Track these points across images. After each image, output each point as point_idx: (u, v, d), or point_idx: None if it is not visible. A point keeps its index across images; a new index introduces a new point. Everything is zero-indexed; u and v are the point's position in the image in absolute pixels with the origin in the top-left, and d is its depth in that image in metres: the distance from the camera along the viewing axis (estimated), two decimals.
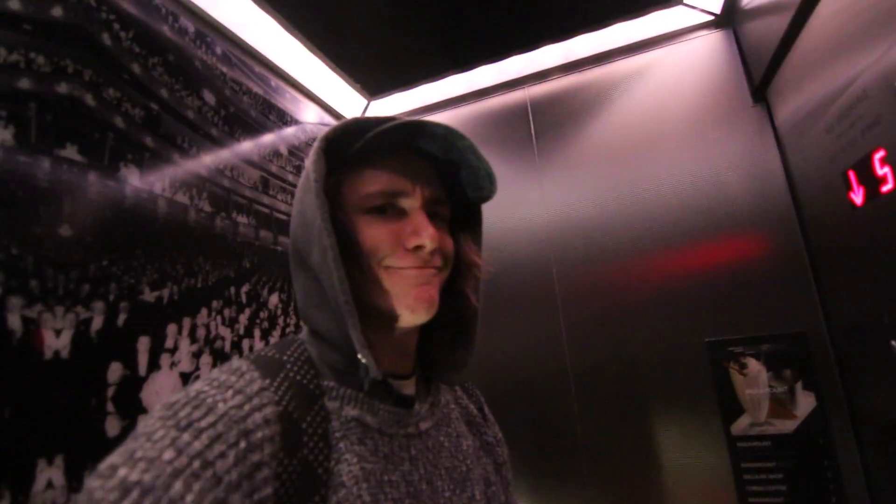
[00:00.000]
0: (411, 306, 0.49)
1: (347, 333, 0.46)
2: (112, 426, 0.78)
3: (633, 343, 1.35)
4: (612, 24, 1.43)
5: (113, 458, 0.34)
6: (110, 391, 0.79)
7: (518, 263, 1.49)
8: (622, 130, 1.48)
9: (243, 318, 1.10)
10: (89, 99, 0.84)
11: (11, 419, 0.65)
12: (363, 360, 0.45)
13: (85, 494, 0.32)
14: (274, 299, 1.22)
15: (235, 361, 0.46)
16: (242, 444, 0.37)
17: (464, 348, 0.58)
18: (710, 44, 1.43)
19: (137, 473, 0.32)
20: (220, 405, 0.39)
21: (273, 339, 1.19)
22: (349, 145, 0.50)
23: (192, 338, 0.96)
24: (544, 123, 1.58)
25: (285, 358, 0.48)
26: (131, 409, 0.82)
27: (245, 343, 1.09)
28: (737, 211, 1.31)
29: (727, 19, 1.40)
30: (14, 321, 0.68)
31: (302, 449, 0.42)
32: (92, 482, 0.33)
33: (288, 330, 1.25)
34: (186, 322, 0.95)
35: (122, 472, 0.33)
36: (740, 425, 1.18)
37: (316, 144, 0.49)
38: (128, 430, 0.80)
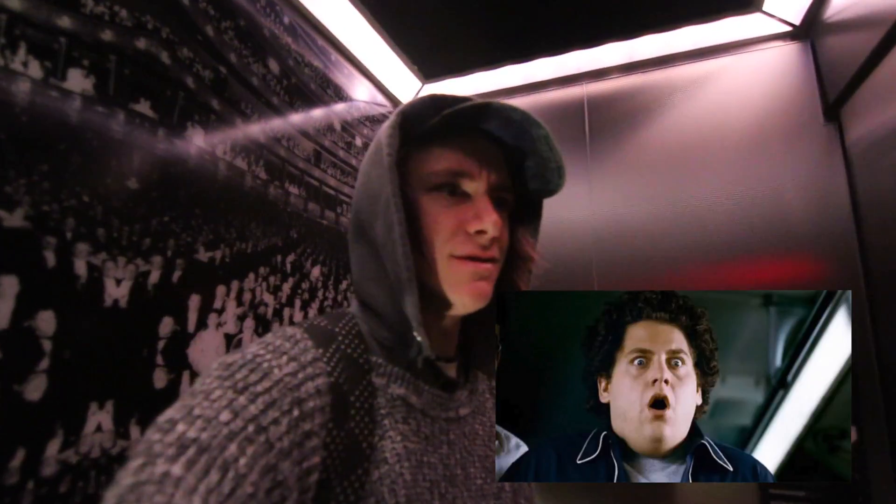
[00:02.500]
0: (465, 299, 0.49)
1: (401, 310, 0.46)
2: (159, 378, 0.80)
3: None
4: (683, 26, 1.39)
5: (172, 412, 0.35)
6: (160, 344, 0.81)
7: (558, 261, 1.47)
8: (681, 137, 1.43)
9: (286, 287, 1.12)
10: (165, 57, 0.85)
11: (70, 360, 0.67)
12: (418, 338, 0.44)
13: (144, 445, 0.33)
14: (316, 272, 1.23)
15: (289, 328, 0.46)
16: (295, 412, 0.38)
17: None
18: (784, 55, 1.37)
19: (195, 431, 0.33)
20: (276, 371, 0.39)
21: (312, 311, 1.21)
22: (422, 122, 0.49)
23: (239, 301, 0.97)
24: (600, 122, 1.54)
25: (337, 330, 0.48)
26: (178, 363, 0.83)
27: (286, 311, 1.11)
28: (794, 231, 1.26)
29: (805, 31, 1.34)
30: (80, 266, 0.69)
31: (349, 422, 0.42)
32: (151, 434, 0.33)
33: (326, 303, 1.26)
34: (234, 285, 0.97)
35: (180, 427, 0.33)
36: None
37: (392, 118, 0.48)
38: (174, 383, 0.82)
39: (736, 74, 1.42)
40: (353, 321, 0.51)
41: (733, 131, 1.38)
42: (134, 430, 0.75)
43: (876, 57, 1.05)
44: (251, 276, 1.01)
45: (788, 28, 1.35)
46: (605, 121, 1.54)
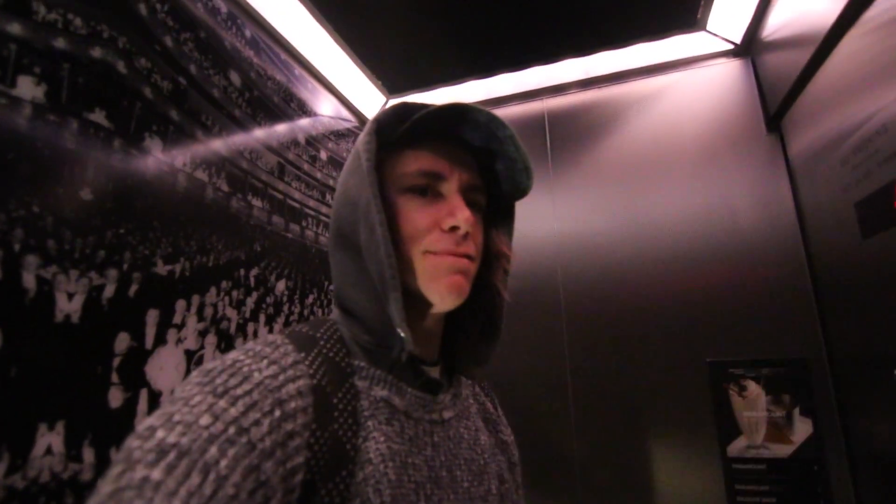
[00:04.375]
0: (442, 293, 0.49)
1: (383, 313, 0.47)
2: (115, 397, 0.77)
3: (634, 360, 1.35)
4: (634, 44, 1.46)
5: (151, 419, 0.35)
6: (116, 361, 0.77)
7: (525, 274, 1.49)
8: (636, 150, 1.50)
9: (250, 302, 1.09)
10: (121, 66, 0.84)
11: (17, 378, 0.63)
12: (402, 335, 0.45)
13: (123, 453, 0.32)
14: (281, 286, 1.21)
15: (270, 335, 0.46)
16: (277, 413, 0.38)
17: (488, 343, 0.59)
18: (728, 71, 1.46)
19: (175, 436, 0.33)
20: (256, 374, 0.39)
21: (278, 326, 1.18)
22: (395, 128, 0.51)
23: (200, 316, 0.95)
24: (560, 137, 1.59)
25: (318, 335, 0.49)
26: (135, 381, 0.80)
27: (250, 327, 1.08)
28: (744, 236, 1.32)
29: (746, 49, 1.44)
30: (29, 280, 0.66)
31: (332, 423, 0.42)
32: (131, 442, 0.33)
33: (292, 318, 1.24)
34: (195, 299, 0.94)
35: (160, 433, 0.33)
36: (737, 447, 1.19)
37: (368, 126, 0.50)
38: (130, 402, 0.79)
39: (684, 90, 1.50)
40: (334, 327, 0.51)
41: (684, 144, 1.45)
42: (87, 453, 0.71)
43: (808, 71, 1.13)
44: (213, 290, 0.99)
45: (731, 46, 1.44)
46: (565, 135, 1.59)
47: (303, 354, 0.44)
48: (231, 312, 1.03)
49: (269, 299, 1.17)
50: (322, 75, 1.49)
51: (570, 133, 1.59)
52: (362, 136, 0.50)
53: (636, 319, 1.38)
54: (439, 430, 0.52)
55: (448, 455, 0.51)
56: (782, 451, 1.15)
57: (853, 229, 1.01)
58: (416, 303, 0.51)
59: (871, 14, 0.92)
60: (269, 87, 1.26)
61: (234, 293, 1.05)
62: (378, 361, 0.50)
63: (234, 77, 1.12)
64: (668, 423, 1.28)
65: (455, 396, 0.57)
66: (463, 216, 0.48)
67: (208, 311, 0.97)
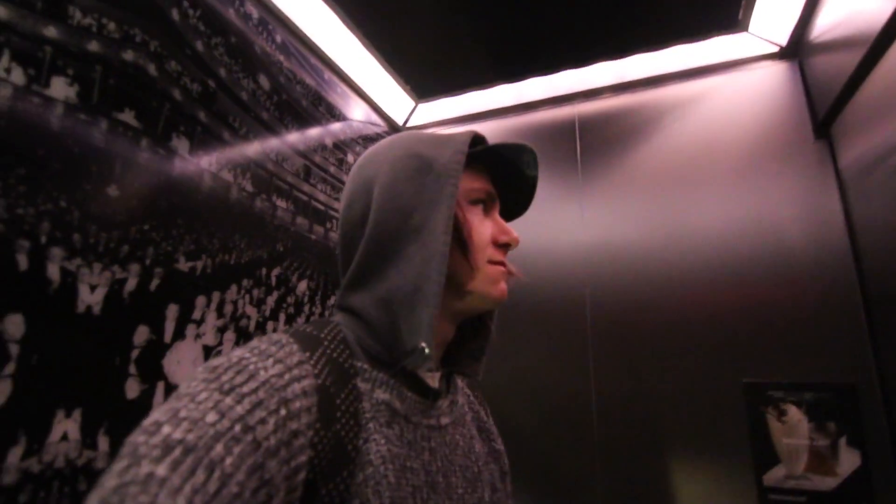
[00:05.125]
0: (497, 297, 0.55)
1: (394, 321, 0.49)
2: (132, 388, 0.79)
3: (664, 376, 1.29)
4: (671, 46, 1.41)
5: (157, 415, 0.35)
6: (134, 353, 0.80)
7: (551, 283, 1.45)
8: (672, 157, 1.43)
9: (271, 301, 1.11)
10: (152, 69, 0.87)
11: (38, 365, 0.66)
12: (426, 351, 0.45)
13: (129, 447, 0.33)
14: (302, 286, 1.23)
15: (274, 334, 0.47)
16: (282, 412, 0.38)
17: (483, 339, 0.62)
18: (773, 75, 1.38)
19: (181, 432, 0.33)
20: (262, 372, 0.40)
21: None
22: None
23: (220, 312, 0.96)
24: (591, 143, 1.55)
25: (322, 335, 0.49)
26: (152, 374, 0.82)
27: (269, 325, 1.09)
28: (789, 249, 1.24)
29: (793, 51, 1.35)
30: (53, 271, 0.69)
31: (335, 424, 0.43)
32: (136, 437, 0.33)
33: (312, 318, 1.25)
34: (216, 296, 0.96)
35: (166, 429, 0.33)
36: (774, 476, 1.10)
37: (456, 156, 0.52)
38: (146, 394, 0.81)
39: (725, 94, 1.43)
40: (337, 328, 0.52)
41: (724, 151, 1.37)
42: (102, 441, 0.73)
43: (860, 74, 1.06)
44: (233, 287, 1.01)
45: (775, 48, 1.36)
46: (596, 141, 1.54)
47: (307, 354, 0.45)
48: (251, 310, 1.05)
49: (290, 299, 1.18)
50: (351, 80, 1.51)
51: (602, 139, 1.54)
52: (450, 155, 0.52)
53: (668, 336, 1.31)
54: (436, 436, 0.52)
55: (444, 461, 0.51)
56: (826, 483, 1.06)
57: None
58: (460, 305, 0.54)
59: None
60: (298, 91, 1.28)
61: (255, 291, 1.07)
62: (380, 365, 0.50)
63: (263, 80, 1.15)
64: (700, 447, 1.21)
65: (452, 403, 0.57)
66: (515, 234, 0.56)
67: (228, 308, 0.99)
